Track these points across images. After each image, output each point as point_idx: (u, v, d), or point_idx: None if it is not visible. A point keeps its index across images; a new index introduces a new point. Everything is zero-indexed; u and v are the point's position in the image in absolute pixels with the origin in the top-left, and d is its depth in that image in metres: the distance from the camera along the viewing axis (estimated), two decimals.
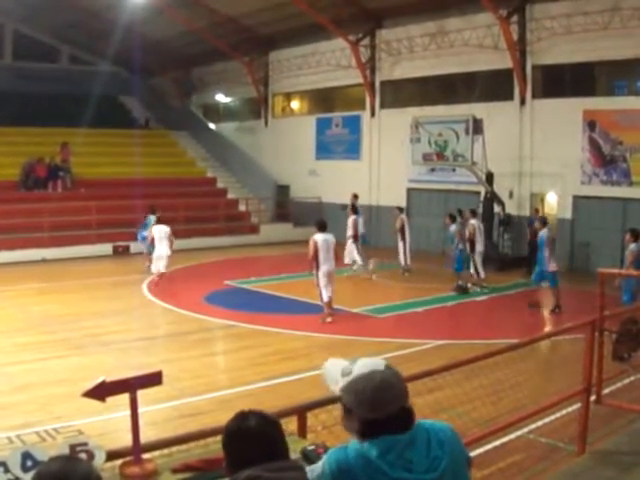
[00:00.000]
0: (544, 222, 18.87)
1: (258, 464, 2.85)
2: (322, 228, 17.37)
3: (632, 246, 16.17)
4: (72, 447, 3.60)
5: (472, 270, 21.54)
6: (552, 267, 18.25)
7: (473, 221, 21.65)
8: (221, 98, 40.40)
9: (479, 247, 21.56)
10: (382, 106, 31.51)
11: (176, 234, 23.66)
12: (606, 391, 8.71)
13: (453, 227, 21.65)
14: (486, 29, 25.81)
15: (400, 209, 25.10)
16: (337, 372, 3.21)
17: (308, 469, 3.08)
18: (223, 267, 25.72)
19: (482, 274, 21.50)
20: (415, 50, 29.01)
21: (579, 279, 22.04)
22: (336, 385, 3.20)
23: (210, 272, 24.58)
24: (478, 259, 21.48)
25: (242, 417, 3.02)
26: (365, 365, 3.12)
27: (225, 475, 3.04)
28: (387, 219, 29.70)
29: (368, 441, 2.98)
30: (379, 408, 3.00)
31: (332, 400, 4.59)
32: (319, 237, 17.06)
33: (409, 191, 30.18)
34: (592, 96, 24.18)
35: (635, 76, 23.77)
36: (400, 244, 24.06)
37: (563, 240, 25.04)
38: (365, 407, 3.02)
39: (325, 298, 17.15)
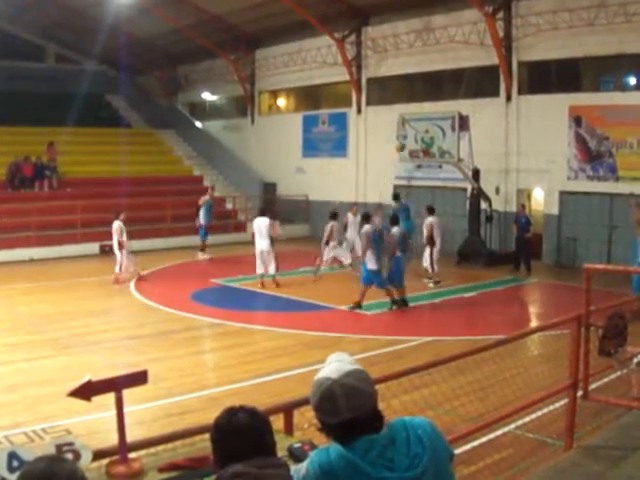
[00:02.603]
0: (365, 216, 18.75)
1: (246, 459, 2.84)
2: (261, 213, 21.52)
3: None
4: (58, 447, 3.59)
5: (426, 264, 22.03)
6: (371, 265, 17.65)
7: (430, 219, 21.98)
8: (207, 96, 40.33)
9: (438, 244, 22.11)
10: (368, 103, 31.53)
11: (163, 232, 23.69)
12: (593, 386, 8.75)
13: (395, 230, 18.85)
14: (472, 26, 25.84)
15: (351, 207, 26.16)
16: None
17: (294, 468, 3.09)
18: (210, 265, 25.68)
19: (436, 269, 21.90)
20: (401, 47, 29.02)
21: (566, 274, 22.13)
22: None
23: (197, 270, 24.55)
24: (436, 256, 21.95)
25: (232, 412, 3.02)
26: (326, 370, 3.12)
27: (212, 472, 3.03)
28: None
29: (348, 442, 2.98)
30: (324, 414, 3.06)
31: None
32: (255, 221, 21.02)
33: (396, 188, 30.15)
34: (578, 92, 24.25)
35: (621, 72, 23.87)
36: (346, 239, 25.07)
37: (550, 235, 25.16)
38: (315, 411, 3.10)
39: (258, 271, 20.75)
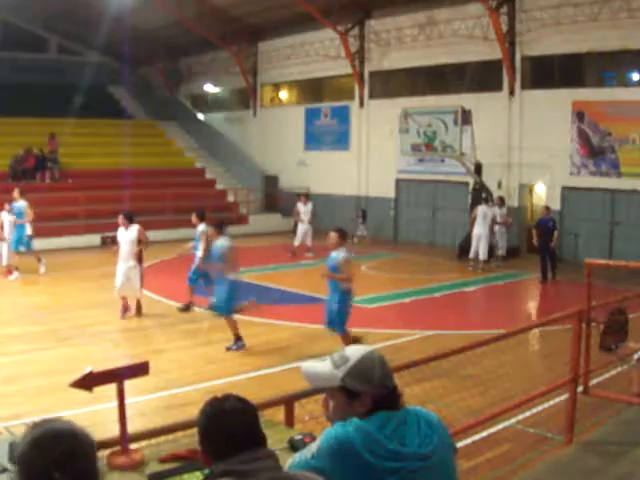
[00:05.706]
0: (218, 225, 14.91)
1: (244, 449, 2.79)
2: (130, 219, 16.38)
3: None
4: None
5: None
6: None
7: (480, 207, 23.07)
8: (210, 88, 40.29)
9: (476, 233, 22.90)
10: (371, 96, 31.48)
11: (164, 224, 23.57)
12: (593, 382, 8.76)
13: (201, 227, 17.65)
14: (475, 20, 25.82)
15: (298, 196, 27.25)
16: (322, 368, 3.20)
17: (298, 454, 3.12)
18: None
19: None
20: (404, 41, 29.00)
21: (567, 270, 22.09)
22: (330, 378, 3.18)
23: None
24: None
25: (220, 399, 2.96)
26: (357, 349, 3.19)
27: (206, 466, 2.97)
28: (376, 210, 29.83)
29: (367, 417, 3.06)
30: (387, 381, 3.16)
31: (319, 390, 4.60)
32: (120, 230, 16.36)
33: (398, 182, 30.18)
34: (581, 87, 24.21)
35: (624, 67, 23.83)
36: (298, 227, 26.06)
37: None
38: (377, 381, 3.12)
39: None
